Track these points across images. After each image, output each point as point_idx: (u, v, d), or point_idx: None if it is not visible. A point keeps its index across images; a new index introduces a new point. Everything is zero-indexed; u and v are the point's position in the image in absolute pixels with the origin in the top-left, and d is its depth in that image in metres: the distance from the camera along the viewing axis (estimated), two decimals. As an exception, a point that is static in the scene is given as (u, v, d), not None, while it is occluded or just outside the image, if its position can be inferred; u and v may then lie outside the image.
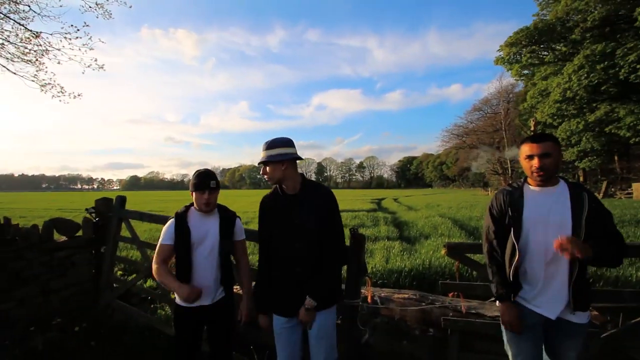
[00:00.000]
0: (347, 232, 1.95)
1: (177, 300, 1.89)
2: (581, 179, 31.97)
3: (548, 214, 1.53)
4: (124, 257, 3.98)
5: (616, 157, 28.16)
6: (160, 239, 1.92)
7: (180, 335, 1.92)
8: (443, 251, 2.28)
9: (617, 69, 16.22)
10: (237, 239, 2.04)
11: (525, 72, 26.60)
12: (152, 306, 3.63)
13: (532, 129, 34.92)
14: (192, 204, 1.98)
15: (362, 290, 2.34)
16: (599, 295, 2.03)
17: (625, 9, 17.68)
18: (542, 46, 23.19)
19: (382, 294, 2.64)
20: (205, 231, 1.92)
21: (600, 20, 18.38)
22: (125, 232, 3.62)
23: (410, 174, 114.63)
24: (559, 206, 1.53)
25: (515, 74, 26.97)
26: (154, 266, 1.89)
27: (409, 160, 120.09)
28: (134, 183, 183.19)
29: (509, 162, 40.75)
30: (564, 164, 32.42)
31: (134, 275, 4.39)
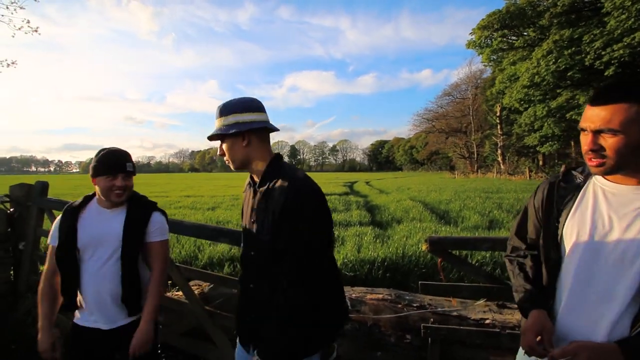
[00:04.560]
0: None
1: (78, 318, 1.44)
2: (541, 162, 33.75)
3: (600, 232, 0.92)
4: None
5: (572, 143, 29.80)
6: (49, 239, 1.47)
7: None
8: (424, 246, 1.94)
9: (583, 55, 16.69)
10: (151, 240, 1.48)
11: (494, 57, 27.03)
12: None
13: (497, 114, 36.33)
14: (94, 195, 1.48)
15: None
16: None
17: (591, -4, 18.27)
18: (512, 31, 23.47)
19: (354, 295, 2.29)
20: (102, 232, 1.42)
21: (568, 5, 18.76)
22: (48, 225, 3.00)
23: (381, 157, 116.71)
24: (627, 218, 0.88)
25: (486, 58, 27.36)
26: (41, 280, 1.41)
27: (381, 144, 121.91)
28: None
29: (475, 146, 42.15)
30: (526, 149, 34.05)
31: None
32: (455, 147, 47.33)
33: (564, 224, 0.99)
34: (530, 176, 28.02)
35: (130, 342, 1.38)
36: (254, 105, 1.17)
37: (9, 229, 2.95)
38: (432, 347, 1.79)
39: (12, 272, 3.00)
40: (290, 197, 1.04)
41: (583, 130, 0.92)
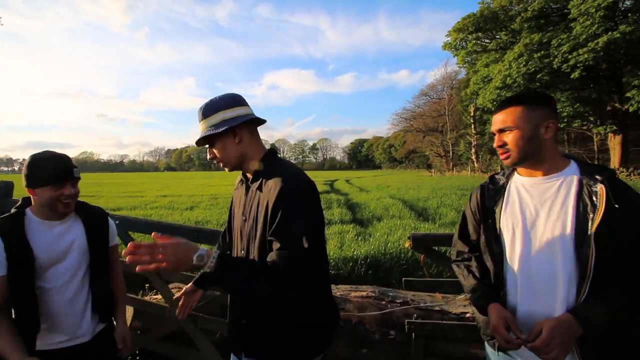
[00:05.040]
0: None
1: (39, 344, 1.24)
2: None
3: (530, 220, 1.05)
4: None
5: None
6: None
7: None
8: (407, 243, 1.96)
9: (551, 58, 17.44)
10: (112, 245, 1.47)
11: (468, 59, 27.86)
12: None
13: (471, 114, 37.61)
14: (23, 206, 1.29)
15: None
16: None
17: (560, 3, 19.07)
18: (486, 34, 24.23)
19: (338, 293, 2.29)
20: (63, 248, 1.29)
21: (538, 10, 19.52)
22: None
23: (361, 155, 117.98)
24: (556, 206, 1.02)
25: (461, 60, 28.12)
26: None
27: (360, 143, 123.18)
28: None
29: (450, 145, 43.43)
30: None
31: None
32: (432, 146, 48.57)
33: (499, 219, 1.13)
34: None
35: (106, 348, 1.32)
36: (237, 100, 1.13)
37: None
38: (416, 342, 1.82)
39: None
40: (285, 192, 0.99)
41: (492, 134, 1.13)
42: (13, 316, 1.21)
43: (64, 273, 1.28)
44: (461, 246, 1.30)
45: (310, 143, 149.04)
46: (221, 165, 1.15)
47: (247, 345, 1.11)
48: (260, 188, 1.09)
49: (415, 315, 1.98)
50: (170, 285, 2.28)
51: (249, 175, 1.17)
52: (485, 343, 1.22)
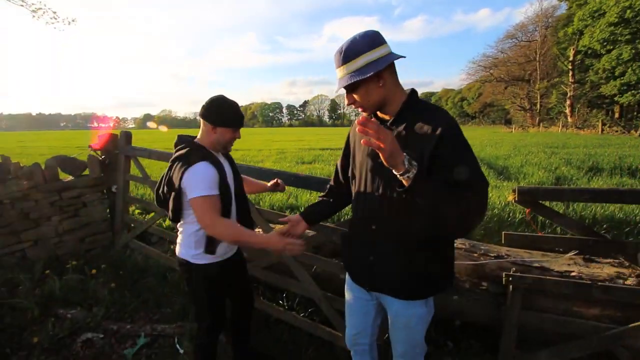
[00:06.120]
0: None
1: (206, 258, 1.54)
2: (617, 115, 29.72)
3: None
4: (138, 198, 3.78)
5: (660, 92, 25.55)
6: (202, 191, 1.37)
7: (216, 301, 1.65)
8: (510, 197, 1.86)
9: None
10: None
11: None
12: (171, 247, 3.50)
13: (570, 58, 31.77)
14: (199, 145, 1.50)
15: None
16: None
17: None
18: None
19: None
20: (230, 175, 1.57)
21: None
22: (134, 171, 3.33)
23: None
24: None
25: (564, -10, 23.34)
26: (223, 224, 1.38)
27: (428, 96, 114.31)
28: (148, 121, 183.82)
29: (539, 96, 37.95)
30: (600, 100, 29.95)
31: (152, 215, 4.26)
32: (514, 98, 43.04)
33: None
34: (602, 130, 24.88)
35: (243, 260, 1.82)
36: (379, 39, 1.06)
37: (102, 174, 3.33)
38: (513, 294, 1.79)
39: (107, 212, 3.44)
40: (451, 131, 1.00)
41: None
42: None
43: (233, 196, 1.55)
44: None
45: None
46: (360, 109, 1.14)
47: (374, 280, 1.22)
48: (408, 129, 1.07)
49: (513, 269, 1.93)
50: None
51: (386, 117, 1.15)
52: None
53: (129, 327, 2.32)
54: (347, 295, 1.43)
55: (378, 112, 1.17)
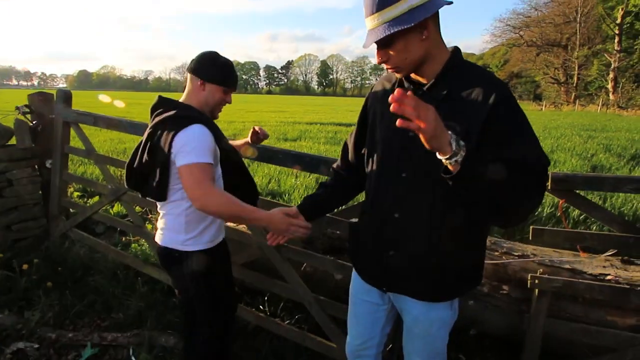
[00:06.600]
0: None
1: (201, 243, 1.59)
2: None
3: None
4: (79, 176, 3.73)
5: None
6: (196, 157, 1.39)
7: (221, 295, 1.71)
8: (542, 185, 1.95)
9: None
10: None
11: None
12: (122, 239, 3.51)
13: (618, 21, 32.30)
14: (187, 106, 1.53)
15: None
16: None
17: None
18: None
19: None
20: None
21: None
22: (76, 142, 3.28)
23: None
24: None
25: None
26: (218, 195, 1.42)
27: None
28: (84, 80, 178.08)
29: (577, 67, 38.63)
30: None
31: (96, 199, 4.22)
32: (547, 68, 43.70)
33: None
34: (650, 111, 25.72)
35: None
36: None
37: (32, 145, 3.27)
38: (538, 299, 1.90)
39: (40, 193, 3.39)
40: (506, 101, 1.03)
41: None
42: None
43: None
44: None
45: (373, 61, 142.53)
46: (393, 70, 1.15)
47: (393, 279, 1.27)
48: (452, 96, 1.08)
49: (540, 270, 2.04)
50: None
51: (422, 79, 1.15)
52: None
53: (71, 335, 2.34)
54: (353, 298, 1.49)
55: (412, 74, 1.17)
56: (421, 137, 0.88)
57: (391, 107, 0.84)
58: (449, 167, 0.93)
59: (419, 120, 0.84)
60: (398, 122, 0.86)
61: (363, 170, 1.38)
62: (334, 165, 1.58)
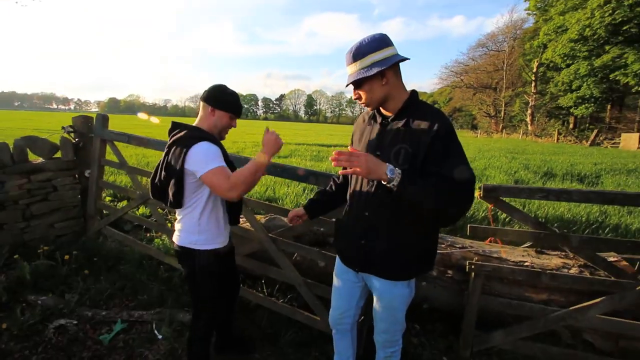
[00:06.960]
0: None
1: (211, 243, 1.56)
2: (571, 126, 32.13)
3: None
4: (112, 183, 3.66)
5: (609, 106, 27.94)
6: (212, 164, 1.37)
7: (220, 290, 1.68)
8: (477, 193, 2.05)
9: (645, 6, 14.93)
10: None
11: (542, 4, 24.38)
12: (147, 235, 3.45)
13: (534, 70, 33.83)
14: (196, 128, 1.52)
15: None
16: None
17: None
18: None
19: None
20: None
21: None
22: (110, 156, 3.24)
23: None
24: None
25: (533, 5, 24.67)
26: (239, 178, 1.37)
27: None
28: (113, 106, 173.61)
29: (503, 104, 40.10)
30: (558, 110, 32.18)
31: (125, 202, 4.15)
32: (481, 105, 45.23)
33: None
34: (558, 139, 26.90)
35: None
36: (385, 41, 1.17)
37: (74, 158, 3.21)
38: (474, 280, 1.99)
39: (79, 197, 3.32)
40: (446, 129, 1.12)
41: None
42: None
43: None
44: None
45: (348, 96, 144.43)
46: (364, 105, 1.25)
47: (364, 262, 1.33)
48: (408, 125, 1.17)
49: (475, 258, 2.14)
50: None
51: (388, 113, 1.25)
52: None
53: (104, 313, 2.29)
54: (335, 279, 1.54)
55: (381, 108, 1.28)
56: (361, 176, 1.07)
57: (333, 164, 1.03)
58: (391, 187, 1.07)
59: (353, 167, 1.03)
60: (339, 172, 1.09)
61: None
62: (334, 177, 1.69)
